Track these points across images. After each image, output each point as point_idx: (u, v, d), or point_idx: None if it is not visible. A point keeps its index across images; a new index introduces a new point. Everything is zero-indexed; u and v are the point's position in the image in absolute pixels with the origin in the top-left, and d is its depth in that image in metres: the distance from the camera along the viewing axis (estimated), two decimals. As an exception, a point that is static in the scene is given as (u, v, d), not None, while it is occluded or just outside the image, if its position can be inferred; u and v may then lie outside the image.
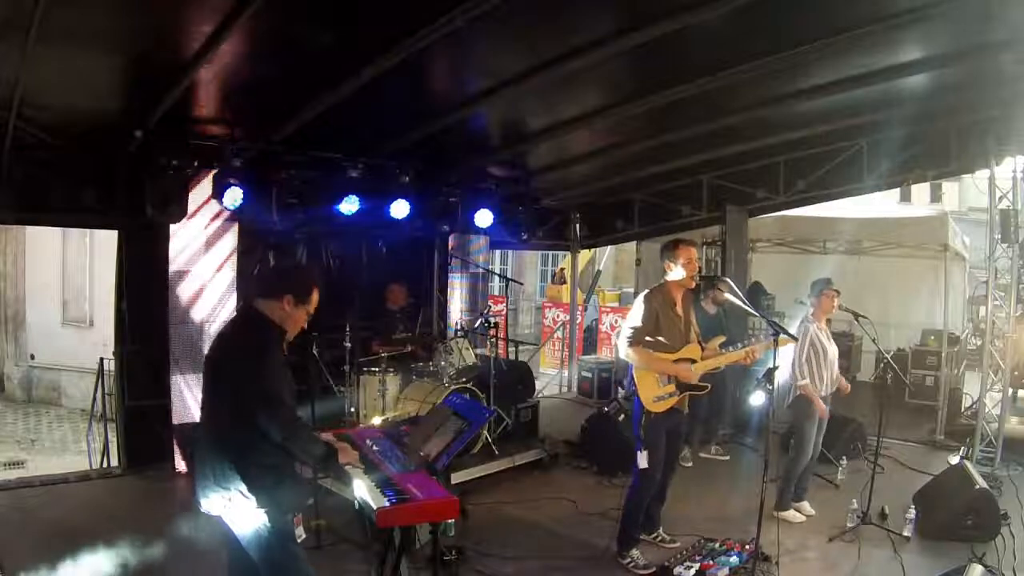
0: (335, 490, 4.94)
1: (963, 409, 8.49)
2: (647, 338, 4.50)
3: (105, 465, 6.81)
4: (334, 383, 6.80)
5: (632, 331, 4.53)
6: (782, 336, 4.43)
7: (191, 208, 6.09)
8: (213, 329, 6.30)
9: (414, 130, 6.28)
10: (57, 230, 12.37)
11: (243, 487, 2.84)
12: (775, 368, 4.37)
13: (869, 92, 5.73)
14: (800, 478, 5.54)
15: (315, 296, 3.06)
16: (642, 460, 4.55)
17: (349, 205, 6.73)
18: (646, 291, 4.66)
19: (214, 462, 2.90)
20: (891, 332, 10.46)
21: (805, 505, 5.55)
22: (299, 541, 3.06)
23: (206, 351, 3.32)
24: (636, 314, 4.56)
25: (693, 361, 4.58)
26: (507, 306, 10.80)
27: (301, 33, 4.48)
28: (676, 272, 4.59)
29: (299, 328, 3.07)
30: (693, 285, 4.69)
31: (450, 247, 8.65)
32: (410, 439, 3.57)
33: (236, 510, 2.87)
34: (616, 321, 12.22)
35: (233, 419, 2.83)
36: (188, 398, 6.21)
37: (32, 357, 13.24)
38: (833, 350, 5.47)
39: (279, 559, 2.89)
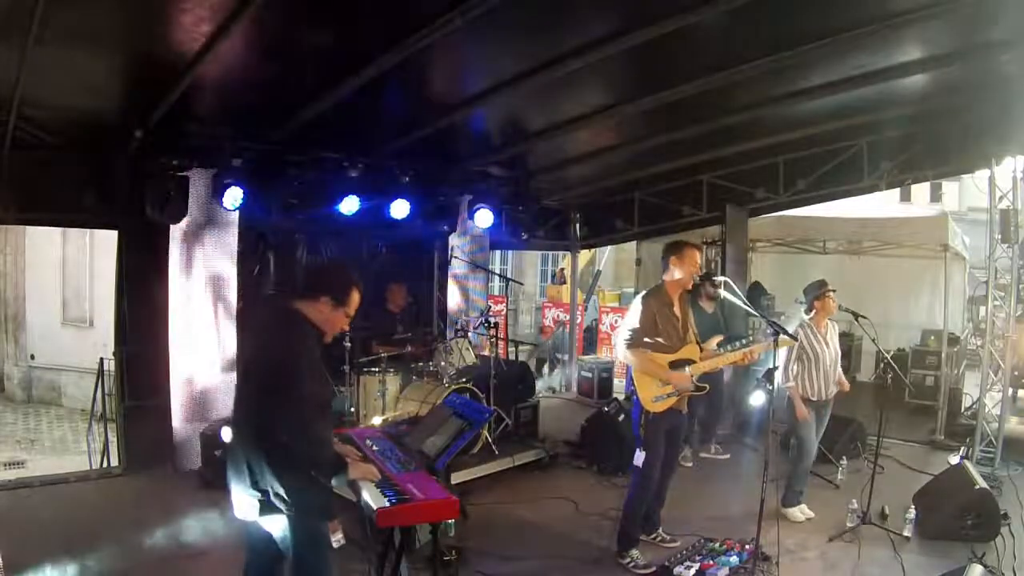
0: (335, 490, 4.94)
1: (963, 409, 8.48)
2: (646, 339, 4.51)
3: (105, 465, 6.81)
4: (334, 383, 6.79)
5: (630, 333, 4.54)
6: (782, 337, 4.43)
7: (191, 208, 6.08)
8: (208, 330, 6.31)
9: (414, 130, 6.29)
10: (57, 230, 12.37)
11: (280, 490, 2.77)
12: (775, 368, 4.37)
13: (869, 92, 5.74)
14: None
15: (355, 298, 2.97)
16: (639, 459, 4.58)
17: (349, 205, 6.73)
18: (644, 292, 4.68)
19: (249, 464, 2.84)
20: (891, 332, 10.44)
21: (804, 508, 5.55)
22: (335, 547, 2.98)
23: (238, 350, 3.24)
24: (634, 316, 4.58)
25: (692, 362, 4.59)
26: (507, 306, 10.81)
27: (301, 33, 4.48)
28: (677, 273, 4.59)
29: (337, 330, 3.00)
30: (691, 286, 4.72)
31: (450, 247, 8.64)
32: (410, 439, 3.57)
33: (272, 513, 2.82)
34: (616, 321, 12.23)
35: (270, 420, 2.75)
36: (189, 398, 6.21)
37: (32, 357, 13.24)
38: (832, 353, 5.46)
39: (310, 564, 2.86)
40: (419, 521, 3.33)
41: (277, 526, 2.85)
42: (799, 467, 5.46)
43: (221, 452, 5.74)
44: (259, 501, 2.83)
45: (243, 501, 2.89)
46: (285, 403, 2.73)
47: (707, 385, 4.66)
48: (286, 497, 2.78)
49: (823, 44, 4.73)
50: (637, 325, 4.52)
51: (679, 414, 4.70)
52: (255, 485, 2.82)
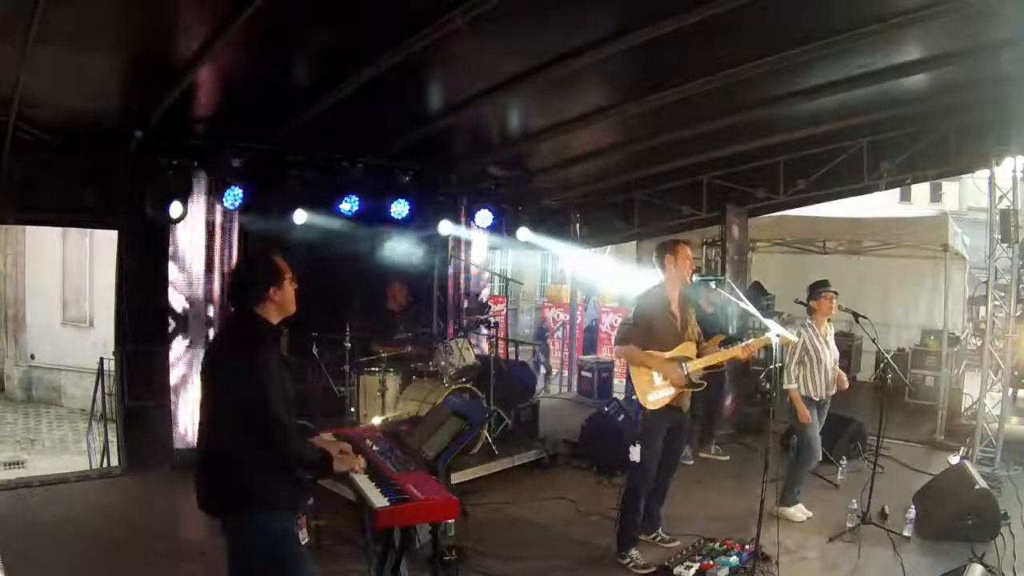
0: (335, 490, 4.95)
1: (963, 409, 8.48)
2: (640, 338, 4.56)
3: (105, 465, 6.81)
4: (334, 383, 6.79)
5: (624, 329, 4.64)
6: (782, 335, 4.44)
7: (191, 208, 6.08)
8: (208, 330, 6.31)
9: (414, 130, 6.29)
10: (57, 230, 12.39)
11: (244, 490, 2.80)
12: (776, 368, 4.38)
13: (869, 92, 5.73)
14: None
15: (283, 265, 3.00)
16: (634, 454, 4.60)
17: (349, 205, 6.73)
18: (641, 292, 4.73)
19: (214, 465, 2.88)
20: (891, 332, 10.46)
21: (801, 507, 5.55)
22: (303, 543, 3.01)
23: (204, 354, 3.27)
24: (629, 313, 4.69)
25: (688, 359, 4.61)
26: (507, 306, 10.82)
27: (301, 33, 4.48)
28: (672, 272, 4.63)
29: (294, 301, 3.01)
30: (690, 283, 4.75)
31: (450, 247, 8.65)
32: (410, 439, 3.56)
33: (238, 514, 2.86)
34: (616, 321, 12.24)
35: (230, 424, 2.79)
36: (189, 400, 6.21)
37: (32, 357, 13.26)
38: (832, 354, 5.46)
39: (283, 562, 2.88)
40: (419, 521, 3.32)
41: (245, 526, 2.84)
42: (802, 468, 5.46)
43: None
44: (227, 501, 2.84)
45: (211, 501, 2.89)
46: (244, 406, 2.75)
47: (704, 383, 4.68)
48: (253, 497, 2.79)
49: (823, 44, 4.72)
50: (631, 323, 4.62)
51: (679, 412, 4.71)
52: (221, 486, 2.84)
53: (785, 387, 5.29)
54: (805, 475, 5.49)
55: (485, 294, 9.29)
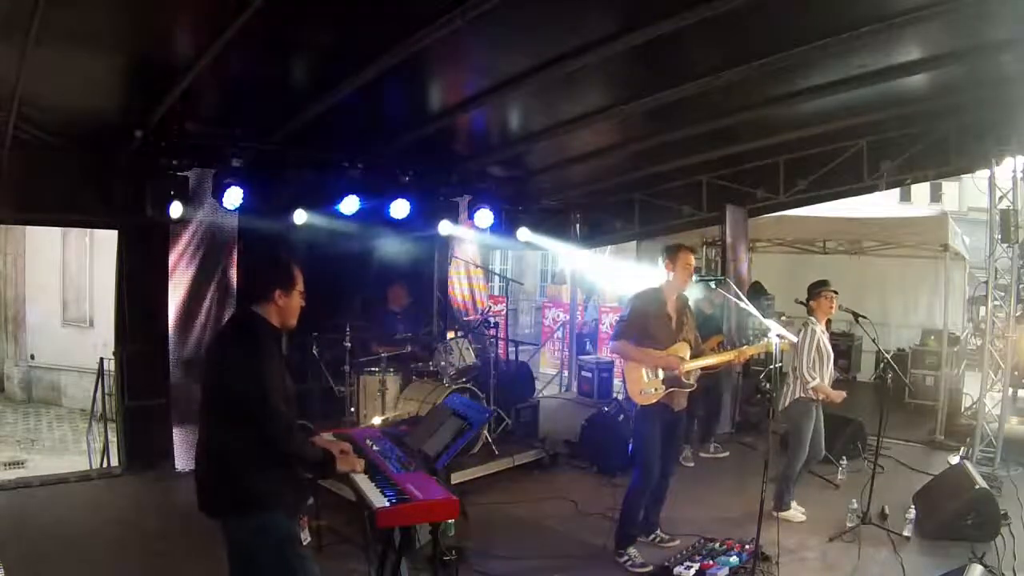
0: (335, 490, 4.95)
1: (963, 409, 8.48)
2: (634, 335, 4.61)
3: (105, 465, 6.81)
4: (334, 383, 6.79)
5: (619, 326, 4.71)
6: (783, 337, 4.45)
7: (191, 208, 6.07)
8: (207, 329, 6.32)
9: (414, 130, 6.28)
10: (57, 230, 12.39)
11: (245, 491, 2.82)
12: (776, 368, 4.39)
13: (869, 92, 5.73)
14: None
15: (299, 275, 3.05)
16: (632, 449, 4.69)
17: (349, 205, 6.73)
18: (637, 291, 4.79)
19: (215, 466, 2.89)
20: (891, 332, 10.45)
21: (795, 505, 5.54)
22: (304, 543, 3.02)
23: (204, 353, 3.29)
24: (625, 311, 4.78)
25: (682, 359, 4.65)
26: (507, 306, 10.82)
27: (301, 33, 4.48)
28: (673, 275, 4.69)
29: (298, 312, 3.05)
30: (686, 287, 4.81)
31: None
32: (410, 439, 3.57)
33: (239, 514, 2.86)
34: (615, 321, 12.23)
35: (231, 423, 2.81)
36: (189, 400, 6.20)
37: (32, 357, 13.25)
38: (831, 352, 5.48)
39: (285, 562, 2.88)
40: (419, 521, 3.33)
41: (247, 526, 2.85)
42: (792, 467, 5.46)
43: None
44: (228, 501, 2.85)
45: (212, 501, 2.91)
46: (245, 406, 2.77)
47: (694, 384, 4.70)
48: (254, 497, 2.81)
49: (823, 44, 4.72)
50: (626, 319, 4.70)
51: (672, 411, 4.73)
52: (223, 486, 2.85)
53: (810, 385, 5.27)
54: (796, 474, 5.48)
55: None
